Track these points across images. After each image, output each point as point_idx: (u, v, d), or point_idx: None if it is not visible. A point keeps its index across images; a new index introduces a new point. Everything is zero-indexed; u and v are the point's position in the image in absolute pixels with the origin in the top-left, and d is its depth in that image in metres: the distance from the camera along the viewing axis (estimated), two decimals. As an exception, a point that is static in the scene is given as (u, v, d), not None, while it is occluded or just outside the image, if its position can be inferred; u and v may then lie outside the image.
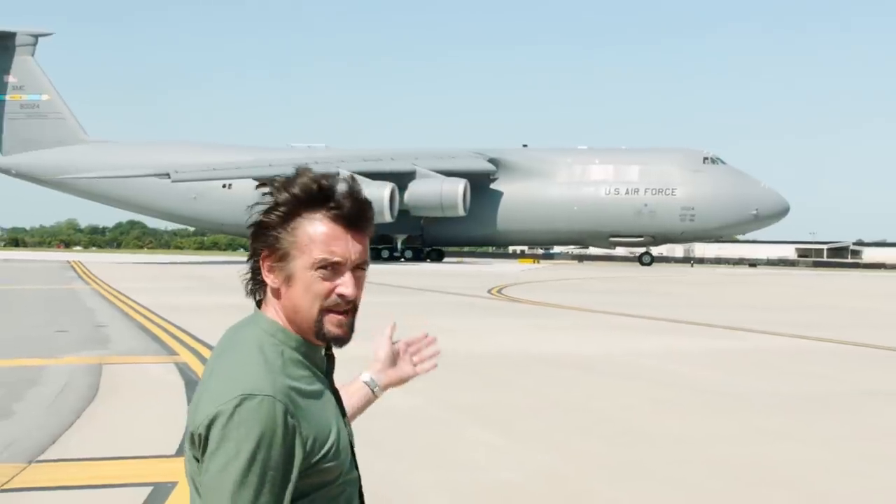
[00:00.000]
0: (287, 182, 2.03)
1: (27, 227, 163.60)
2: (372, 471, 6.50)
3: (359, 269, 2.03)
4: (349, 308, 2.03)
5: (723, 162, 65.98)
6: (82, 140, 73.91)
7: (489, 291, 31.16)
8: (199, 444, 1.90)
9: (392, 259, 65.87)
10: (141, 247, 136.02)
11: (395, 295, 27.95)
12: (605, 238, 67.28)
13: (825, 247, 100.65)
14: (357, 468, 2.11)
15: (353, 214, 2.02)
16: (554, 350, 14.59)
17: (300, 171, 2.05)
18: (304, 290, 2.00)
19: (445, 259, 70.47)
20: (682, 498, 6.43)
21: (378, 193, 61.61)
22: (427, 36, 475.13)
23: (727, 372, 12.58)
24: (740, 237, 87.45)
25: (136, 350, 14.13)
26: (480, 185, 65.35)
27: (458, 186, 63.15)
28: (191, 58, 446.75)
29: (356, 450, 2.14)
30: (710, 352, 14.75)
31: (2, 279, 36.80)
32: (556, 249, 77.44)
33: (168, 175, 60.71)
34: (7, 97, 72.80)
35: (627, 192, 65.23)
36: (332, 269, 1.99)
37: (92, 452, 7.61)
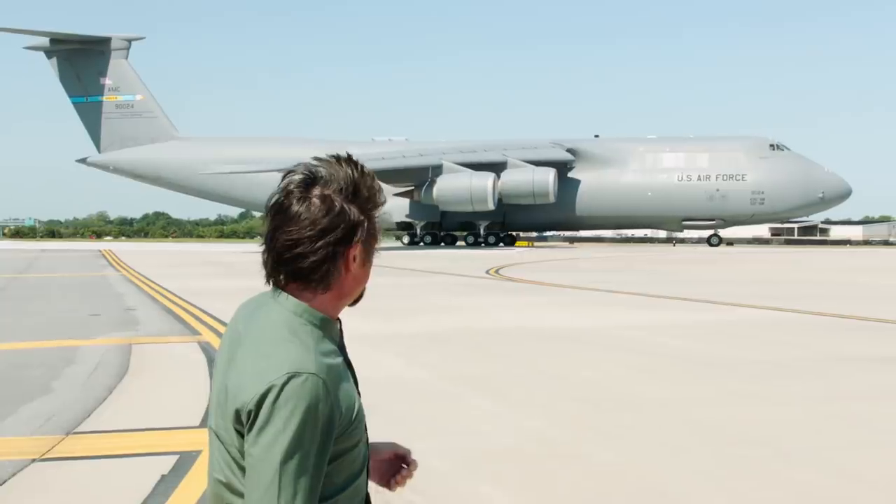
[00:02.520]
0: (369, 174, 2.08)
1: (62, 220, 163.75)
2: (378, 437, 6.51)
3: None
4: None
5: (787, 148, 65.22)
6: (174, 136, 73.47)
7: (488, 272, 31.16)
8: (247, 420, 1.89)
9: (476, 244, 65.41)
10: (166, 236, 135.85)
11: (402, 277, 27.96)
12: (677, 222, 66.59)
13: (796, 225, 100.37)
14: (365, 429, 2.14)
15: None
16: (546, 325, 14.60)
17: (364, 171, 2.07)
18: (370, 267, 2.12)
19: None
20: (665, 456, 6.45)
21: (482, 183, 62.03)
22: (482, 36, 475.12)
23: (708, 342, 12.59)
24: None
25: (163, 331, 14.15)
26: (559, 173, 64.76)
27: (549, 175, 62.75)
28: (267, 58, 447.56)
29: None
30: (691, 324, 14.76)
31: (40, 268, 36.83)
32: (549, 233, 77.05)
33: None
34: (104, 98, 72.51)
35: (699, 178, 64.45)
36: None
37: (123, 424, 7.65)
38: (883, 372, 10.07)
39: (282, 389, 1.86)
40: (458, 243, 67.85)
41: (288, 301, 2.03)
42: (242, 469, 1.93)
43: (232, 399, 1.93)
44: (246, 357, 1.96)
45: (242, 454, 1.92)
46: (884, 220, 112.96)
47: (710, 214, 64.94)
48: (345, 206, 2.01)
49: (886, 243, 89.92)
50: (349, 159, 2.06)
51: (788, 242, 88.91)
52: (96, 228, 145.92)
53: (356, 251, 2.03)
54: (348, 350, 2.24)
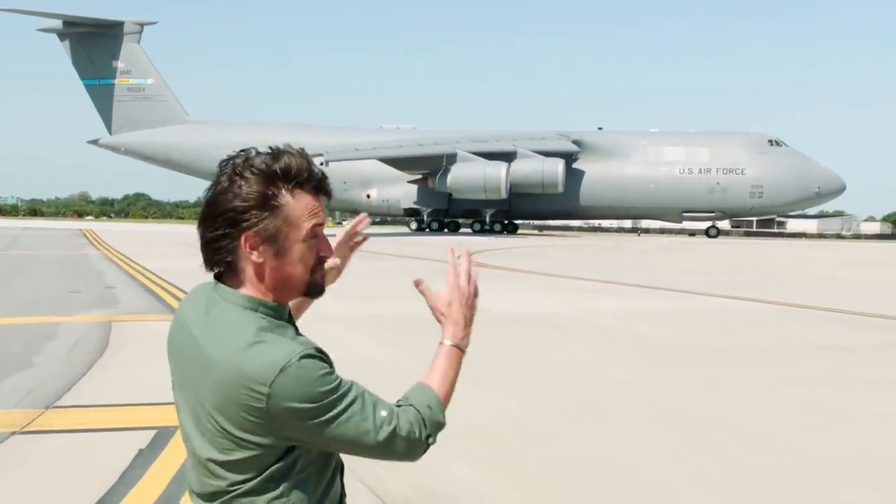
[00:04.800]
0: (271, 160, 1.97)
1: (44, 199, 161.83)
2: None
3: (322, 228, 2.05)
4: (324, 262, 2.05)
5: (785, 144, 65.50)
6: (184, 120, 72.31)
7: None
8: (264, 417, 1.88)
9: (482, 232, 65.01)
10: (146, 217, 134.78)
11: (376, 261, 27.91)
12: (678, 213, 66.42)
13: (755, 218, 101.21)
14: None
15: (324, 185, 2.01)
16: (515, 309, 14.62)
17: (278, 152, 1.99)
18: (298, 260, 1.97)
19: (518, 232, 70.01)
20: (631, 437, 6.48)
21: (496, 172, 61.74)
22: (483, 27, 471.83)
23: (673, 329, 12.66)
24: None
25: (142, 309, 14.03)
26: (565, 163, 64.34)
27: (558, 166, 62.47)
28: (272, 44, 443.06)
29: None
30: (655, 311, 14.84)
31: (22, 246, 36.40)
32: (519, 221, 77.07)
33: (321, 155, 58.16)
34: (116, 81, 71.20)
35: (700, 172, 64.43)
36: (316, 236, 1.99)
37: (102, 399, 7.58)
38: (836, 359, 10.18)
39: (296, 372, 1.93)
40: (463, 230, 67.60)
41: (238, 297, 1.98)
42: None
43: (234, 397, 1.92)
44: (229, 359, 1.92)
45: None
46: (837, 214, 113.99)
47: (710, 206, 65.06)
48: (241, 185, 1.93)
49: (839, 237, 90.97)
50: (280, 150, 1.99)
51: (748, 234, 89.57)
52: (78, 208, 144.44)
53: (250, 238, 1.93)
54: (314, 330, 2.22)
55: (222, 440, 1.93)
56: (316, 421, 1.87)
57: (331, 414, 1.88)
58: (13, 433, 6.35)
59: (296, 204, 1.95)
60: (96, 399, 7.58)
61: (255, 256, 1.95)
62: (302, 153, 2.01)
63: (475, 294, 2.27)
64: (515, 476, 5.57)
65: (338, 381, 1.91)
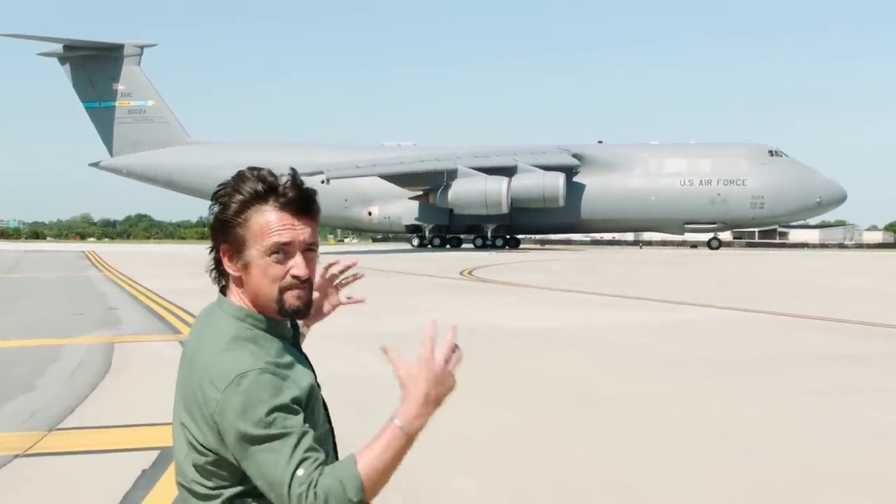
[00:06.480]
0: (237, 181, 2.06)
1: (46, 221, 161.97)
2: (355, 431, 6.50)
3: (309, 250, 2.06)
4: (305, 285, 2.07)
5: (786, 155, 65.62)
6: (185, 141, 72.42)
7: (461, 273, 31.16)
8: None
9: (485, 247, 65.07)
10: (148, 237, 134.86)
11: (378, 277, 27.91)
12: (679, 225, 66.39)
13: (756, 229, 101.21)
14: (330, 422, 2.18)
15: (298, 202, 2.04)
16: (515, 324, 14.63)
17: (247, 172, 2.08)
18: (261, 274, 2.03)
19: (521, 246, 69.96)
20: (631, 450, 6.48)
21: (497, 187, 61.70)
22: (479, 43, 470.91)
23: (673, 341, 12.66)
24: None
25: (145, 329, 14.04)
26: (566, 177, 64.22)
27: (559, 180, 62.48)
28: (270, 63, 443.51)
29: (330, 407, 2.21)
30: (655, 324, 14.83)
31: (25, 268, 36.44)
32: (520, 236, 77.05)
33: (321, 173, 57.18)
34: (116, 103, 71.40)
35: (701, 183, 64.36)
36: (283, 252, 2.03)
37: (105, 421, 7.58)
38: (838, 369, 10.18)
39: (242, 386, 2.02)
40: (465, 245, 67.53)
41: (230, 307, 2.09)
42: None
43: (203, 405, 2.02)
44: (205, 368, 2.03)
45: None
46: (839, 224, 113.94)
47: (712, 218, 64.98)
48: (221, 202, 2.05)
49: (841, 247, 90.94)
50: (266, 172, 2.07)
51: (750, 245, 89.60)
52: (80, 230, 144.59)
53: (226, 250, 2.06)
54: (315, 346, 2.26)
55: (182, 439, 2.02)
56: (240, 440, 1.90)
57: (256, 440, 1.89)
58: (16, 456, 6.36)
59: (258, 218, 2.02)
60: (99, 421, 7.59)
61: (231, 269, 2.07)
62: (291, 174, 2.08)
63: (449, 373, 2.02)
64: (516, 489, 5.57)
65: (286, 414, 1.91)
